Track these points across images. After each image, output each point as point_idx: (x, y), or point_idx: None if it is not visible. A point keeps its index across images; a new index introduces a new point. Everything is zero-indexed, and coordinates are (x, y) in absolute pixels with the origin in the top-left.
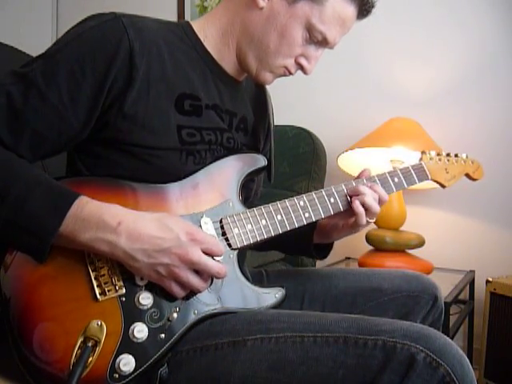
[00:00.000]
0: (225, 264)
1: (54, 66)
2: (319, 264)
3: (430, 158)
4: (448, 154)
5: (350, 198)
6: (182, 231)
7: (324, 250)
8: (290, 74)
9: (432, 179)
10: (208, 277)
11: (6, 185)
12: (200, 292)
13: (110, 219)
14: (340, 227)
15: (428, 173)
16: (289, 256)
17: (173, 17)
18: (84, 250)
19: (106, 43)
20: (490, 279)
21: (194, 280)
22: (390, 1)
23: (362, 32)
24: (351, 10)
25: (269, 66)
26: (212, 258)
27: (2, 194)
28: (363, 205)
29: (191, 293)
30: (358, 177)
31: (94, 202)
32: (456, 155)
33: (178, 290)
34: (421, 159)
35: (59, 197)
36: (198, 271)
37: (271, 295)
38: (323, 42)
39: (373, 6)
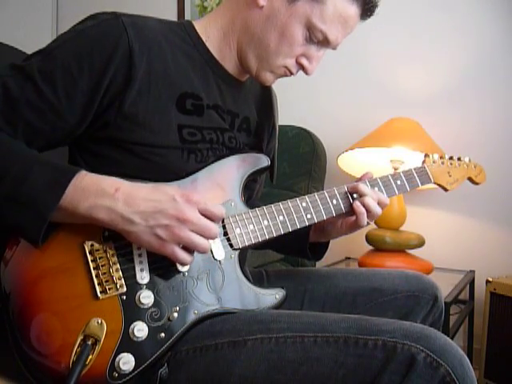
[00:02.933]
0: (226, 264)
1: (51, 62)
2: (319, 264)
3: (433, 162)
4: (451, 158)
5: (352, 196)
6: (176, 193)
7: (319, 251)
8: (292, 74)
9: (435, 183)
10: (208, 237)
11: (6, 164)
12: (206, 252)
13: (108, 187)
14: (338, 226)
15: (431, 176)
16: (289, 256)
17: (173, 17)
18: (85, 222)
19: (104, 41)
20: (490, 279)
21: (197, 238)
22: (391, 2)
23: (363, 32)
24: (353, 10)
25: (269, 66)
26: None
27: (2, 172)
28: (364, 206)
29: (190, 291)
30: (360, 179)
31: (92, 174)
32: (459, 159)
33: (183, 255)
34: (424, 162)
35: (59, 172)
36: (198, 233)
37: (272, 296)
38: (325, 42)
39: (376, 6)
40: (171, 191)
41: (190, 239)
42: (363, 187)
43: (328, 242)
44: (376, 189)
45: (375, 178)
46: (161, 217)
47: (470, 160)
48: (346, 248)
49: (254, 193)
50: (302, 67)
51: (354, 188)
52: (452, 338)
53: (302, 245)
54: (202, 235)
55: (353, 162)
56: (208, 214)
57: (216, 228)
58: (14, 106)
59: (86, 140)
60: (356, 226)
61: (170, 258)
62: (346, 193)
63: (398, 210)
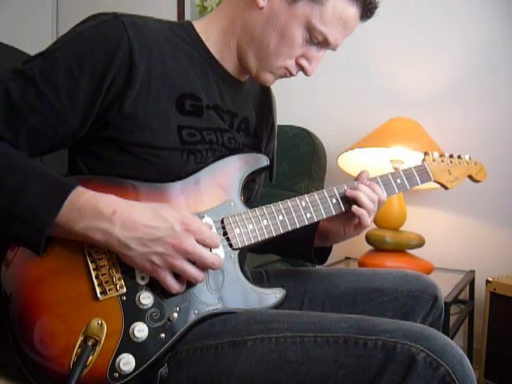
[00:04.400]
0: (226, 264)
1: (52, 65)
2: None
3: (433, 160)
4: (451, 156)
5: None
6: (176, 221)
7: (323, 254)
8: (291, 75)
9: (435, 181)
10: (204, 268)
11: (3, 176)
12: (198, 282)
13: (105, 208)
14: (342, 234)
15: (431, 174)
16: (292, 259)
17: (173, 17)
18: (80, 240)
19: (105, 42)
20: (490, 279)
21: (190, 269)
22: (391, 2)
23: (363, 32)
24: (353, 11)
25: (269, 67)
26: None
27: None
28: (363, 207)
29: (190, 291)
30: (357, 179)
31: (89, 191)
32: (459, 156)
33: (172, 283)
34: (423, 160)
35: (56, 187)
36: (194, 262)
37: (272, 295)
38: (324, 43)
39: (376, 7)
40: (171, 218)
41: (183, 269)
42: (359, 186)
43: (331, 246)
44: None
45: (375, 177)
46: (157, 244)
47: (470, 158)
48: (346, 248)
49: (254, 193)
50: (301, 68)
51: (351, 195)
52: (452, 338)
53: (307, 249)
54: (196, 264)
55: (353, 162)
56: (203, 243)
57: (211, 258)
58: (16, 111)
59: (86, 141)
60: (360, 227)
61: (160, 283)
62: (346, 191)
63: (398, 210)
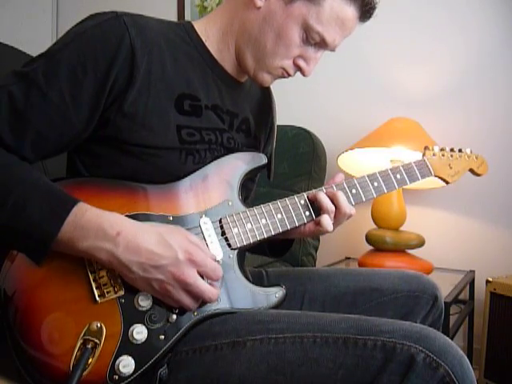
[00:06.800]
0: (225, 264)
1: (55, 66)
2: (319, 264)
3: (433, 154)
4: (452, 150)
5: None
6: (180, 249)
7: (281, 247)
8: (289, 75)
9: (435, 175)
10: (200, 298)
11: (5, 190)
12: (190, 310)
13: (109, 228)
14: (301, 229)
15: (431, 169)
16: (289, 256)
17: (173, 17)
18: (82, 256)
19: (107, 42)
20: (490, 279)
21: (185, 300)
22: (391, 2)
23: (362, 32)
24: (351, 11)
25: (266, 67)
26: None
27: (1, 200)
28: (318, 202)
29: None
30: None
31: (93, 209)
32: (460, 150)
33: (170, 302)
34: (424, 155)
35: (58, 203)
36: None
37: (272, 295)
38: (322, 44)
39: (374, 8)
40: (176, 246)
41: (179, 299)
42: (316, 193)
43: (292, 240)
44: (376, 183)
45: (374, 173)
46: (158, 271)
47: (471, 151)
48: (346, 248)
49: (252, 193)
50: (299, 68)
51: (311, 196)
52: (452, 338)
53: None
54: (194, 296)
55: (353, 162)
56: (206, 276)
57: (210, 292)
58: (20, 114)
59: (85, 141)
60: (322, 229)
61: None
62: (345, 189)
63: (398, 210)
